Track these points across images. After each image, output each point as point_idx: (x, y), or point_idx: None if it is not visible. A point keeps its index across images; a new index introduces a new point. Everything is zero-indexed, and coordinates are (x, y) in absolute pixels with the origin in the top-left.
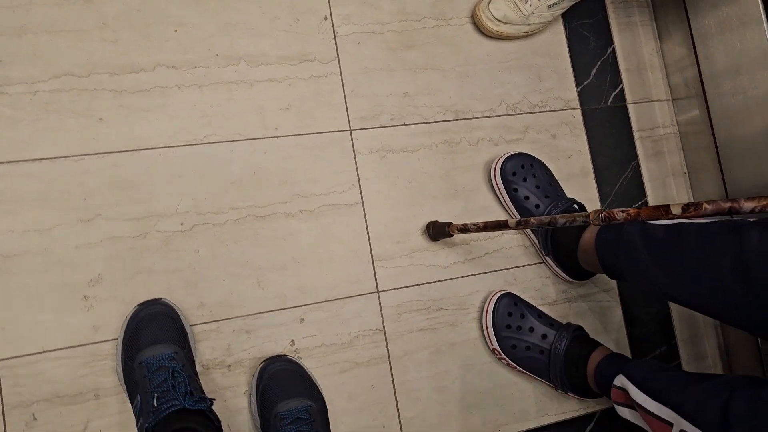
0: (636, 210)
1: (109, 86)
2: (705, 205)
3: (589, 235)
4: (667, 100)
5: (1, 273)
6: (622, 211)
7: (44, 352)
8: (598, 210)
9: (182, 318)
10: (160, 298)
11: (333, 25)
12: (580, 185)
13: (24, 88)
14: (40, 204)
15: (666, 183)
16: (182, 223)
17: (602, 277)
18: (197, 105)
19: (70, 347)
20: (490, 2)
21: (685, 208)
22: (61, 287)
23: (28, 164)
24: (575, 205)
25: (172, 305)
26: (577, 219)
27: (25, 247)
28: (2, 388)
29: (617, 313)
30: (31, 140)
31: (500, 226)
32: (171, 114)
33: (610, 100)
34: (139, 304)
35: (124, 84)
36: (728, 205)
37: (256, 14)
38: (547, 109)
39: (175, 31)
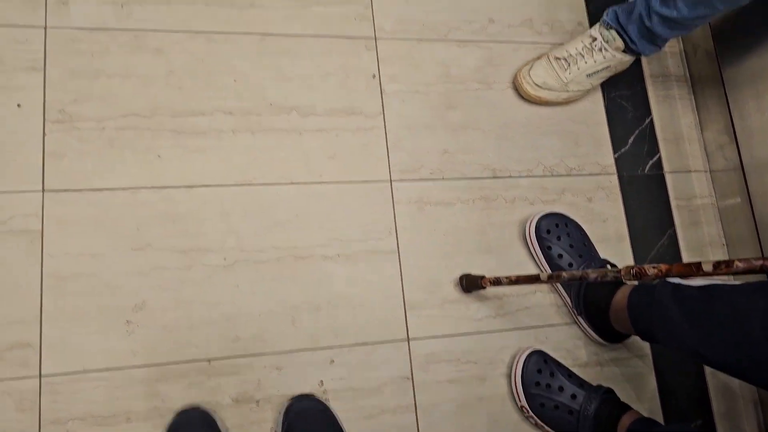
0: (667, 266)
1: (169, 127)
2: (737, 263)
3: (621, 296)
4: (705, 171)
5: (54, 293)
6: (654, 267)
7: (84, 372)
8: (629, 266)
9: (218, 423)
10: (198, 407)
11: (380, 83)
12: (615, 250)
13: (94, 125)
14: (96, 230)
15: (703, 253)
16: (225, 258)
17: (636, 342)
18: (249, 149)
19: (109, 369)
20: (530, 69)
21: (717, 265)
22: (107, 310)
23: (90, 193)
24: (608, 265)
25: (209, 412)
26: (609, 274)
27: (78, 269)
28: (42, 403)
29: (651, 381)
30: (95, 171)
31: (532, 280)
32: (224, 156)
33: (648, 168)
34: (178, 414)
35: (184, 126)
36: (760, 262)
37: (310, 70)
38: (584, 173)
39: (234, 80)
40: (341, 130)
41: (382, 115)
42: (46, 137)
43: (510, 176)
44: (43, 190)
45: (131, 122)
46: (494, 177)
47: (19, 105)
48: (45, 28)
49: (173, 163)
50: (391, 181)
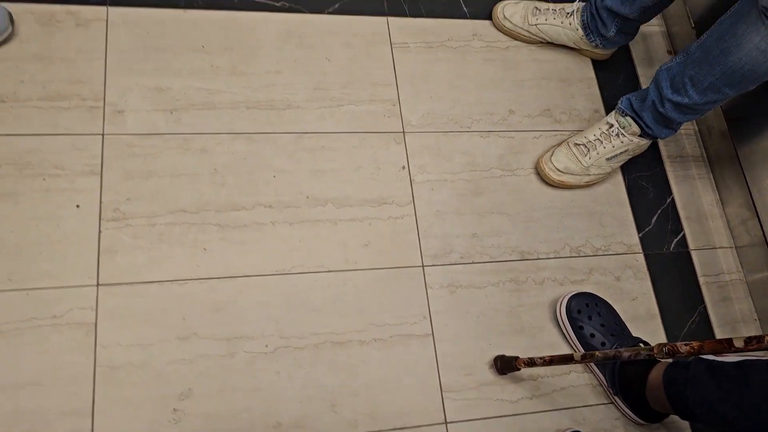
0: (699, 343)
1: (214, 221)
2: (767, 338)
3: (656, 374)
4: (731, 247)
5: (106, 383)
6: (686, 344)
7: None
8: (661, 344)
9: None
10: None
11: (410, 174)
12: (647, 328)
13: (145, 221)
14: (145, 321)
15: (736, 328)
16: (267, 345)
17: (675, 421)
18: (288, 240)
19: None
20: (552, 155)
21: (748, 341)
22: (155, 399)
23: (140, 286)
24: (641, 343)
25: None
26: (642, 352)
27: (129, 359)
28: None
29: None
30: (145, 265)
31: (566, 360)
32: (264, 247)
33: (672, 246)
34: None
35: (227, 220)
36: None
37: (343, 164)
38: (610, 252)
39: (274, 176)
40: (374, 219)
41: (413, 204)
42: (101, 234)
43: (538, 258)
44: (98, 285)
45: (179, 218)
46: (522, 259)
47: (78, 206)
48: (102, 135)
49: (217, 255)
50: (423, 266)
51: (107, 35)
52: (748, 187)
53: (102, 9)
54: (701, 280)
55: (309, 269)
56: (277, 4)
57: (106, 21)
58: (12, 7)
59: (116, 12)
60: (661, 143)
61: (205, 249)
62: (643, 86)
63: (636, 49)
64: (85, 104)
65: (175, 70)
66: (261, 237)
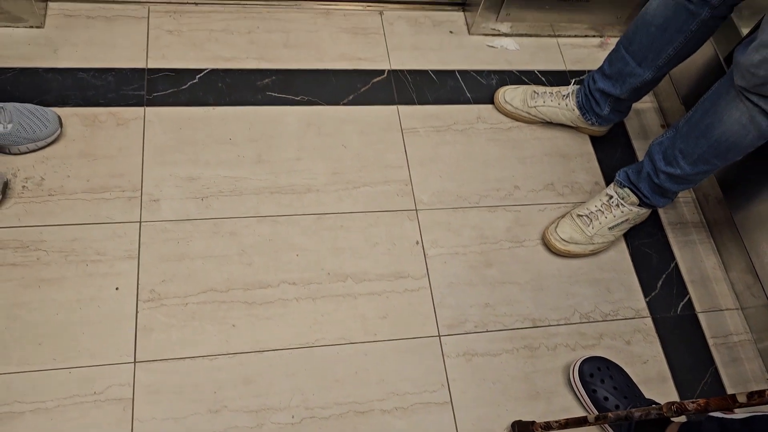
0: (705, 400)
1: (242, 299)
2: None
3: None
4: (737, 309)
5: None
6: (693, 402)
7: None
8: (670, 402)
9: None
10: None
11: (423, 248)
12: (660, 390)
13: (179, 301)
14: (179, 396)
15: (747, 388)
16: (293, 416)
17: None
18: (311, 314)
19: None
20: (557, 226)
21: (750, 395)
22: None
23: (174, 362)
24: (653, 404)
25: None
26: (651, 412)
27: None
28: None
29: None
30: (178, 342)
31: (581, 422)
32: (289, 322)
33: (679, 309)
34: None
35: (254, 297)
36: None
37: (360, 241)
38: (619, 317)
39: (297, 255)
40: (391, 292)
41: (427, 277)
42: (138, 314)
43: (549, 324)
44: (135, 362)
45: (210, 297)
46: (535, 326)
47: (117, 288)
48: (140, 222)
49: (245, 331)
50: (439, 336)
51: (144, 132)
52: (747, 251)
53: (140, 109)
54: (710, 341)
55: (331, 342)
56: (296, 98)
57: (144, 119)
58: (61, 110)
59: (152, 111)
60: (660, 211)
61: (234, 325)
62: (640, 158)
63: (631, 124)
64: (124, 195)
65: (205, 161)
66: (286, 312)
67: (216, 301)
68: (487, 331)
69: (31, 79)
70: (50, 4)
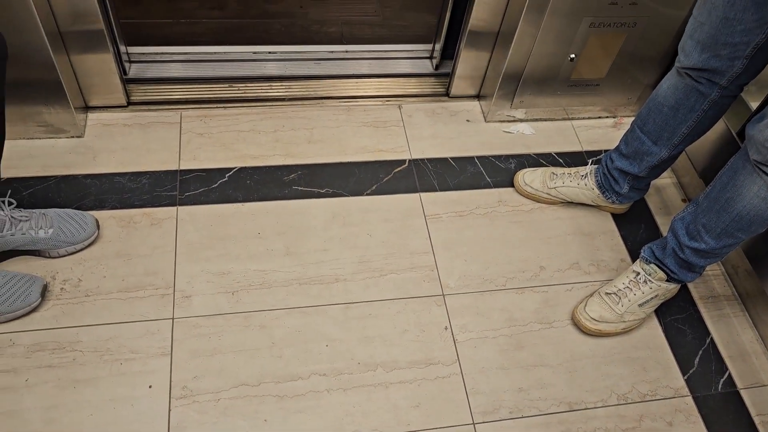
0: None
1: (273, 392)
2: None
3: None
4: None
5: None
6: None
7: None
8: None
9: None
10: None
11: (452, 334)
12: None
13: (211, 397)
14: None
15: None
16: None
17: None
18: (342, 405)
19: None
20: (586, 305)
21: None
22: None
23: None
24: None
25: None
26: None
27: None
28: None
29: None
30: None
31: None
32: (321, 413)
33: (720, 386)
34: None
35: (285, 390)
36: None
37: (388, 329)
38: (658, 397)
39: (326, 345)
40: (422, 379)
41: (458, 362)
42: (171, 412)
43: (586, 408)
44: None
45: (242, 392)
46: (571, 410)
47: (150, 386)
48: (173, 319)
49: (277, 425)
50: (473, 423)
51: (177, 230)
52: None
53: (173, 209)
54: (756, 419)
55: None
56: (321, 191)
57: (176, 218)
58: (98, 213)
59: (184, 210)
60: (690, 285)
61: (265, 420)
62: (663, 233)
63: (652, 200)
64: (157, 293)
65: (235, 256)
66: (318, 404)
67: (247, 396)
68: (522, 417)
69: (72, 185)
70: (90, 114)
